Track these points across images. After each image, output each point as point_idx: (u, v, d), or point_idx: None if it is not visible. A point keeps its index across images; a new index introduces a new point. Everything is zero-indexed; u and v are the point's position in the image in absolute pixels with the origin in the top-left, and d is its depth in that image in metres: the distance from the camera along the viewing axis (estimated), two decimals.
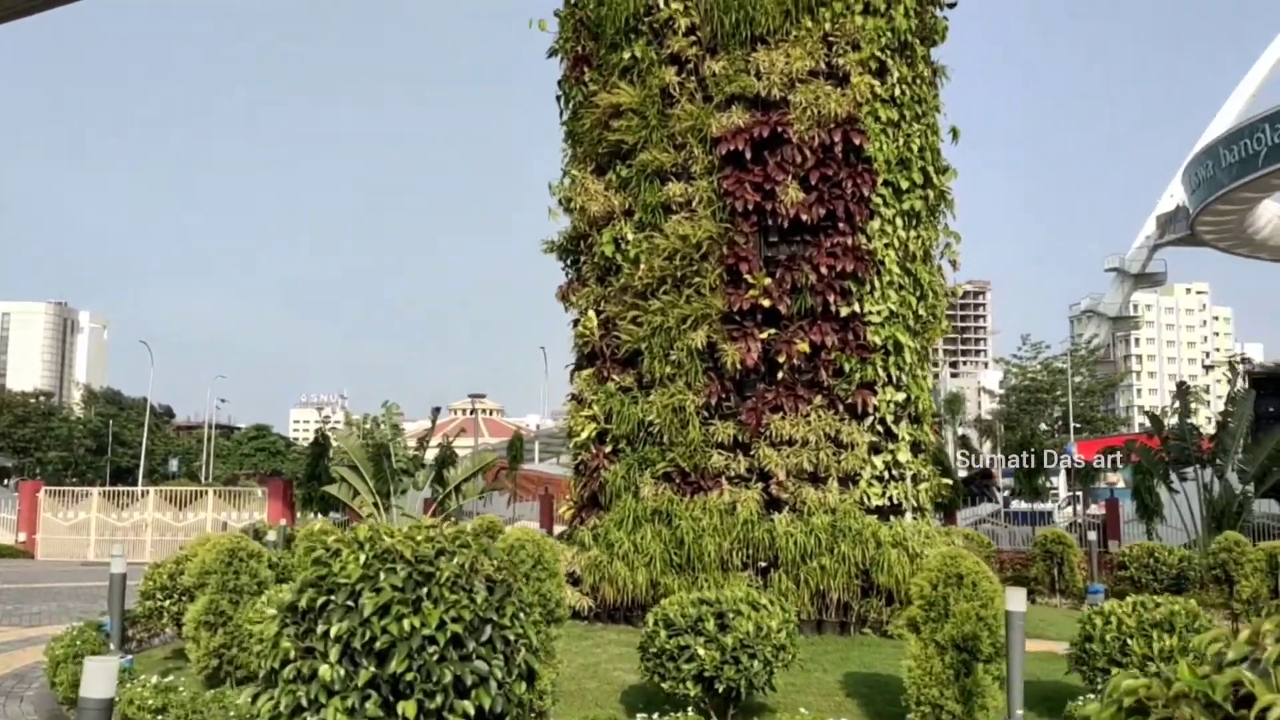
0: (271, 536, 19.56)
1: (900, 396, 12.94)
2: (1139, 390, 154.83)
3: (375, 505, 24.53)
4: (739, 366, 12.58)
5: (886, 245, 12.90)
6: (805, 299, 12.63)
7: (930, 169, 13.46)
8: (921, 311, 13.25)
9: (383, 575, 4.26)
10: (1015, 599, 7.21)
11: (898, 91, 13.27)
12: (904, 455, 12.94)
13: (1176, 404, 32.57)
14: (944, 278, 13.81)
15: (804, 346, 12.53)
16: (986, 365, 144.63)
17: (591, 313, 14.03)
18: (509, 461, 33.12)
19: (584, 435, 13.79)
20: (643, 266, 13.14)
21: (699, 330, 12.74)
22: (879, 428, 12.84)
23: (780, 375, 12.69)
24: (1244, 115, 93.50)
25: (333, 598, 4.27)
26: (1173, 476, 22.75)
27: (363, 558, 4.27)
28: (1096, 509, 41.37)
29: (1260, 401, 22.61)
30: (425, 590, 4.29)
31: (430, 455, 26.82)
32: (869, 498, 12.62)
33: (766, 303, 12.60)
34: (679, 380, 12.88)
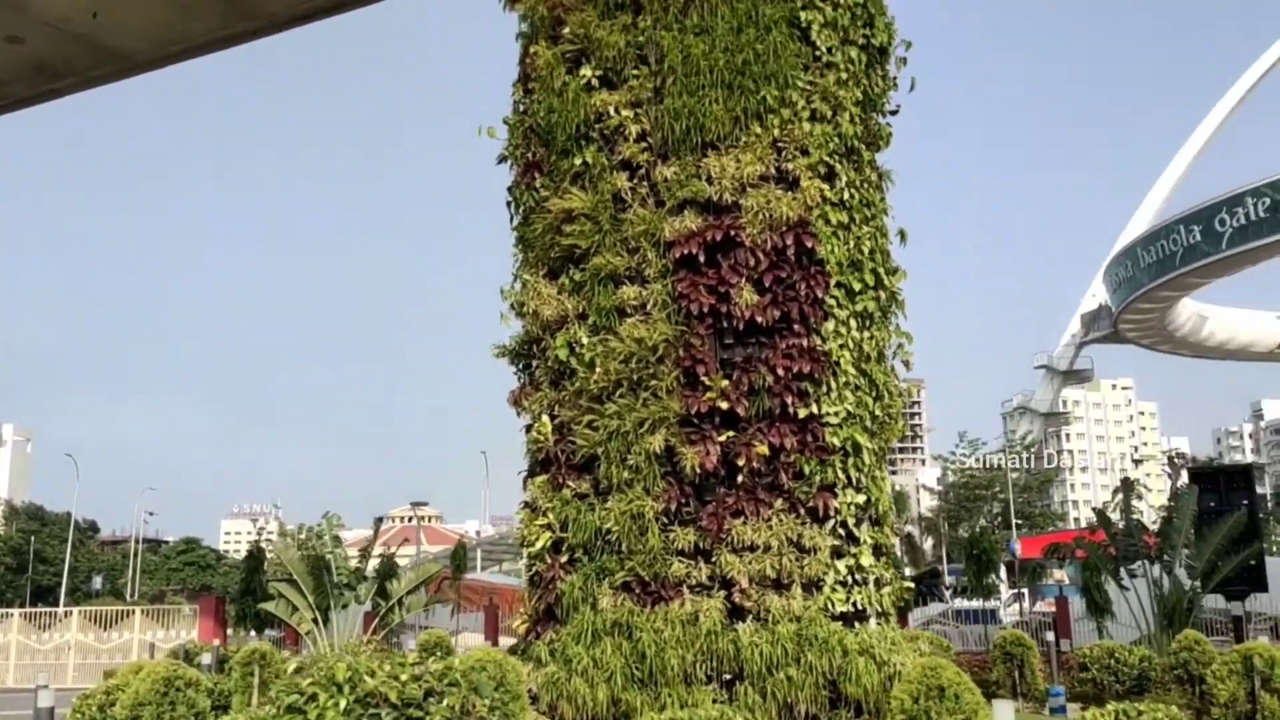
0: (206, 659, 18.60)
1: (860, 499, 12.79)
2: (1072, 485, 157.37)
3: (315, 622, 23.55)
4: (698, 470, 12.35)
5: (841, 346, 12.90)
6: (763, 400, 12.51)
7: (881, 270, 13.58)
8: (878, 412, 13.21)
9: None
10: (1003, 712, 6.97)
11: (846, 195, 13.45)
12: (867, 559, 12.72)
13: (1118, 499, 32.94)
14: (897, 378, 13.82)
15: (763, 449, 12.36)
16: (924, 463, 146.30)
17: (545, 418, 13.75)
18: (452, 571, 32.21)
19: (539, 545, 13.37)
20: (598, 370, 12.95)
21: (657, 434, 12.52)
22: (840, 531, 12.64)
23: (740, 479, 12.48)
24: (1160, 216, 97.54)
25: None
26: (1122, 573, 22.78)
27: (343, 703, 3.91)
28: (1043, 606, 41.40)
29: (1201, 496, 22.88)
30: None
31: (371, 566, 25.92)
32: (833, 604, 12.34)
33: (724, 405, 12.46)
34: (637, 485, 12.59)
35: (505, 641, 30.06)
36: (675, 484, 12.55)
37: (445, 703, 4.06)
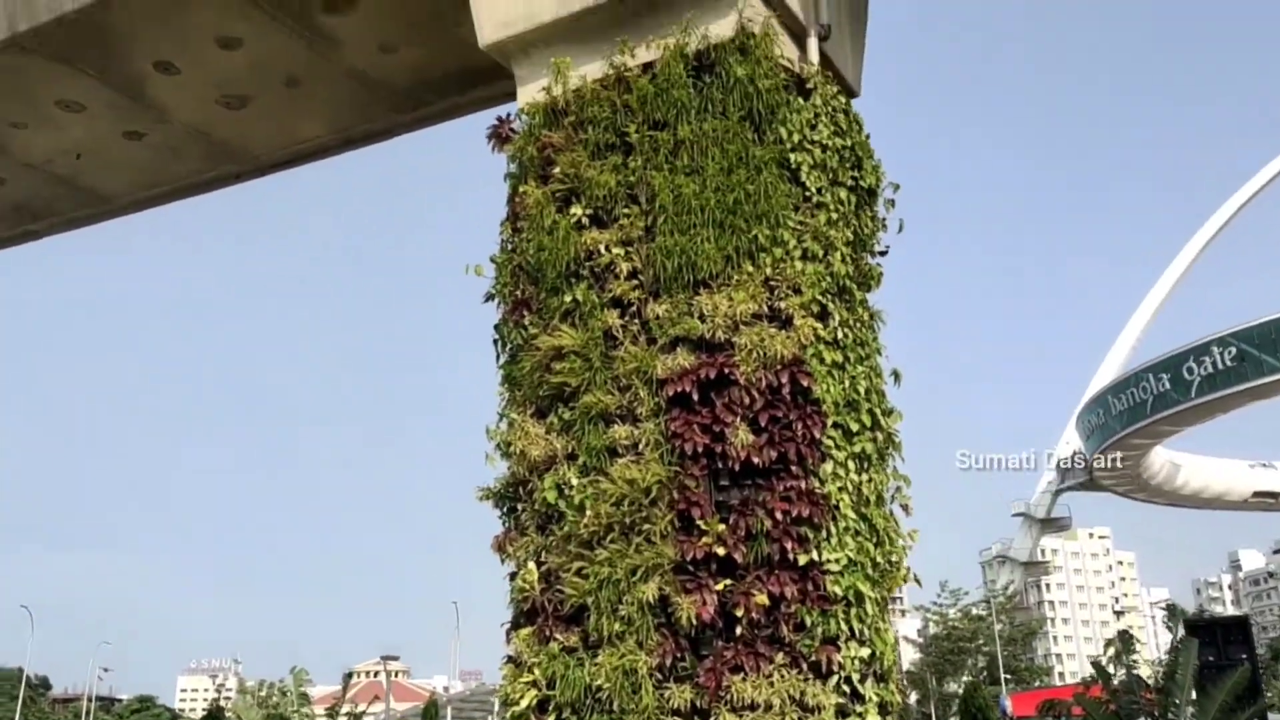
0: None
1: (865, 652, 12.07)
2: (1054, 637, 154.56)
3: None
4: (694, 621, 11.64)
5: (840, 489, 12.42)
6: (761, 546, 11.91)
7: (877, 410, 13.23)
8: (879, 559, 12.63)
9: None
10: None
11: (840, 334, 13.21)
12: (873, 718, 11.92)
13: (1110, 652, 31.98)
14: (897, 523, 13.30)
15: (763, 598, 11.70)
16: (904, 613, 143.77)
17: (532, 564, 13.06)
18: None
19: (524, 704, 12.47)
20: (588, 513, 12.37)
21: (650, 581, 11.86)
22: (845, 688, 11.87)
23: (739, 630, 11.76)
24: (1129, 363, 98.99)
25: None
26: None
27: None
28: None
29: (1201, 650, 22.16)
30: None
31: None
32: None
33: (721, 550, 11.84)
34: (629, 638, 11.84)
35: None
36: (670, 636, 11.81)
37: None
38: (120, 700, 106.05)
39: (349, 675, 26.39)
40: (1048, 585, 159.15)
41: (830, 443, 12.51)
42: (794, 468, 12.21)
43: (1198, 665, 21.38)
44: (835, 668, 11.76)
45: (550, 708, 12.30)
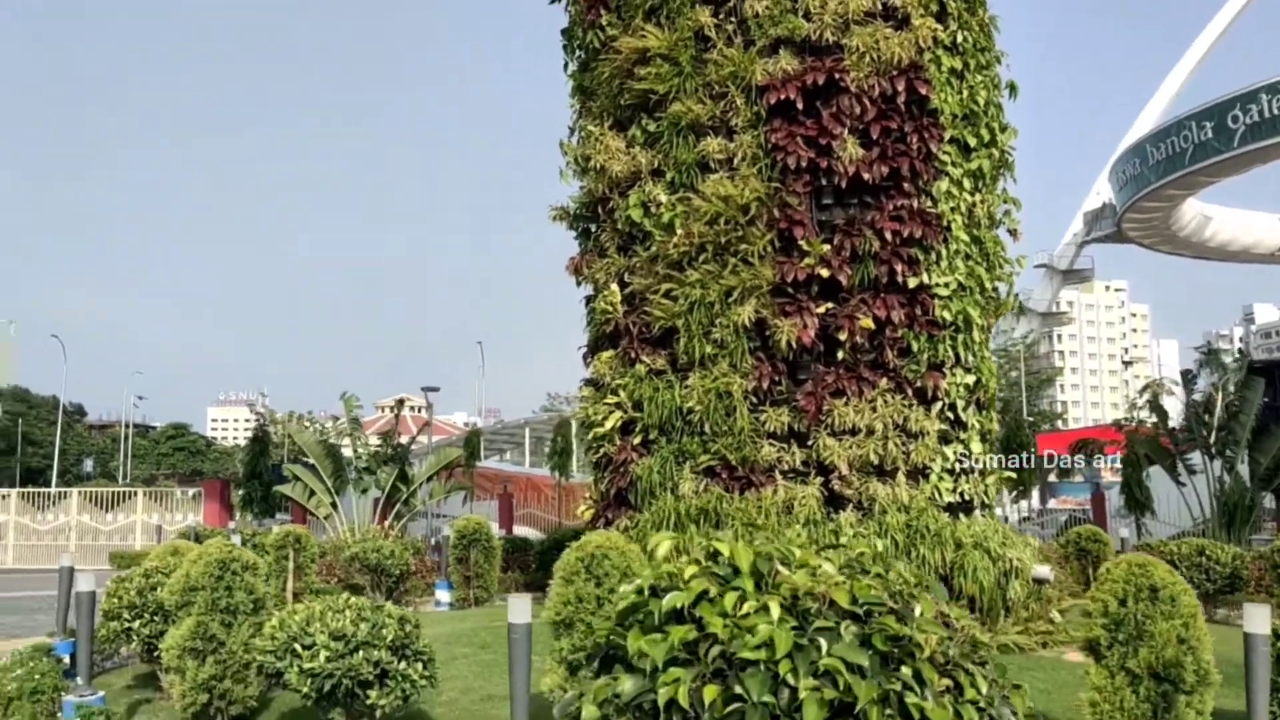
0: (236, 542, 17.47)
1: (970, 379, 11.57)
2: (1061, 385, 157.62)
3: (334, 506, 22.51)
4: (794, 345, 11.06)
5: (953, 209, 11.51)
6: (868, 268, 11.16)
7: (995, 125, 12.12)
8: (989, 284, 11.90)
9: None
10: (1258, 618, 5.83)
11: (960, 38, 11.89)
12: (976, 445, 11.57)
13: (1146, 395, 32.03)
14: (1004, 248, 12.46)
15: (868, 322, 11.06)
16: None
17: (614, 286, 12.39)
18: (465, 459, 31.14)
19: (608, 425, 12.13)
20: (679, 232, 11.54)
21: (746, 304, 11.19)
22: (948, 414, 11.44)
23: (840, 355, 11.21)
24: (1170, 112, 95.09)
25: None
26: (1180, 468, 21.87)
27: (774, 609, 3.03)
28: (1055, 504, 40.92)
29: (1266, 391, 21.79)
30: None
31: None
32: (940, 493, 11.21)
33: (824, 272, 11.10)
34: (722, 361, 11.32)
35: (519, 530, 29.24)
36: (766, 360, 11.27)
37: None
38: (154, 427, 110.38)
39: (400, 401, 26.63)
40: (1059, 335, 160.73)
41: (946, 158, 11.48)
42: (906, 185, 11.26)
43: (1261, 405, 21.18)
44: (940, 394, 11.28)
45: (637, 429, 11.96)
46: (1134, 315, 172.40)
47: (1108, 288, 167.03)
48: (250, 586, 8.68)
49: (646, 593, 3.53)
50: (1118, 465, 41.34)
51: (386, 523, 22.65)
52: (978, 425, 11.67)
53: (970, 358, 11.56)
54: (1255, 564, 15.02)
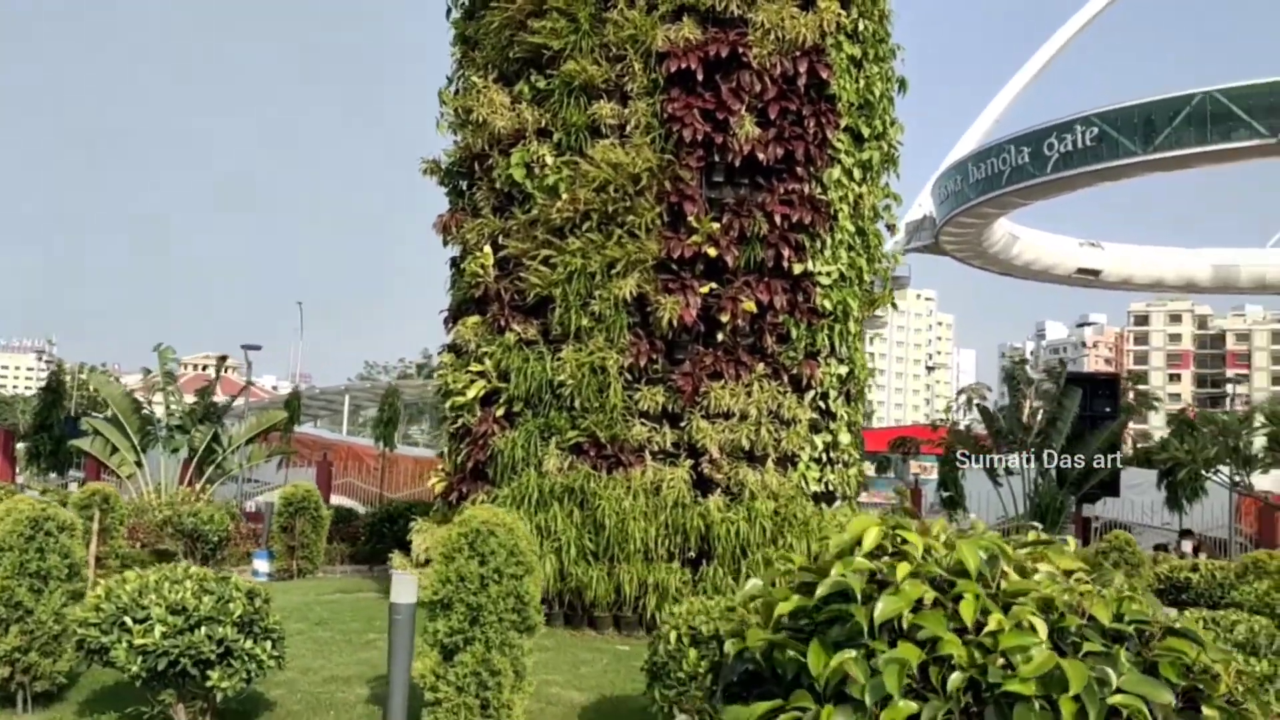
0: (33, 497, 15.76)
1: (843, 370, 11.54)
2: (871, 386, 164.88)
3: (139, 465, 20.79)
4: (675, 324, 10.72)
5: (842, 198, 11.43)
6: (755, 250, 10.92)
7: (887, 118, 12.11)
8: (867, 276, 11.89)
9: None
10: None
11: (861, 25, 11.81)
12: (844, 436, 11.55)
13: (960, 400, 33.55)
14: (883, 242, 12.50)
15: (750, 305, 10.83)
16: None
17: (488, 248, 11.72)
18: (284, 422, 29.47)
19: (470, 395, 11.49)
20: (564, 197, 10.99)
21: (629, 278, 10.77)
22: (820, 404, 11.37)
23: (720, 337, 10.95)
24: (992, 135, 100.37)
25: None
26: (999, 469, 22.93)
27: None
28: (865, 498, 42.50)
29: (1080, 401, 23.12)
30: None
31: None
32: (807, 482, 11.14)
33: (712, 252, 10.79)
34: (599, 335, 10.87)
35: (337, 500, 27.95)
36: (645, 337, 10.89)
37: None
38: None
39: (223, 359, 24.59)
40: (871, 339, 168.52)
41: (840, 146, 11.38)
42: (799, 169, 11.08)
43: (1077, 414, 22.44)
44: (814, 383, 11.19)
45: (500, 400, 11.38)
46: (940, 324, 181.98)
47: (919, 296, 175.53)
48: (65, 550, 7.66)
49: (820, 592, 2.81)
50: (926, 463, 43.43)
51: (198, 485, 21.12)
52: (846, 416, 11.66)
53: (845, 349, 11.53)
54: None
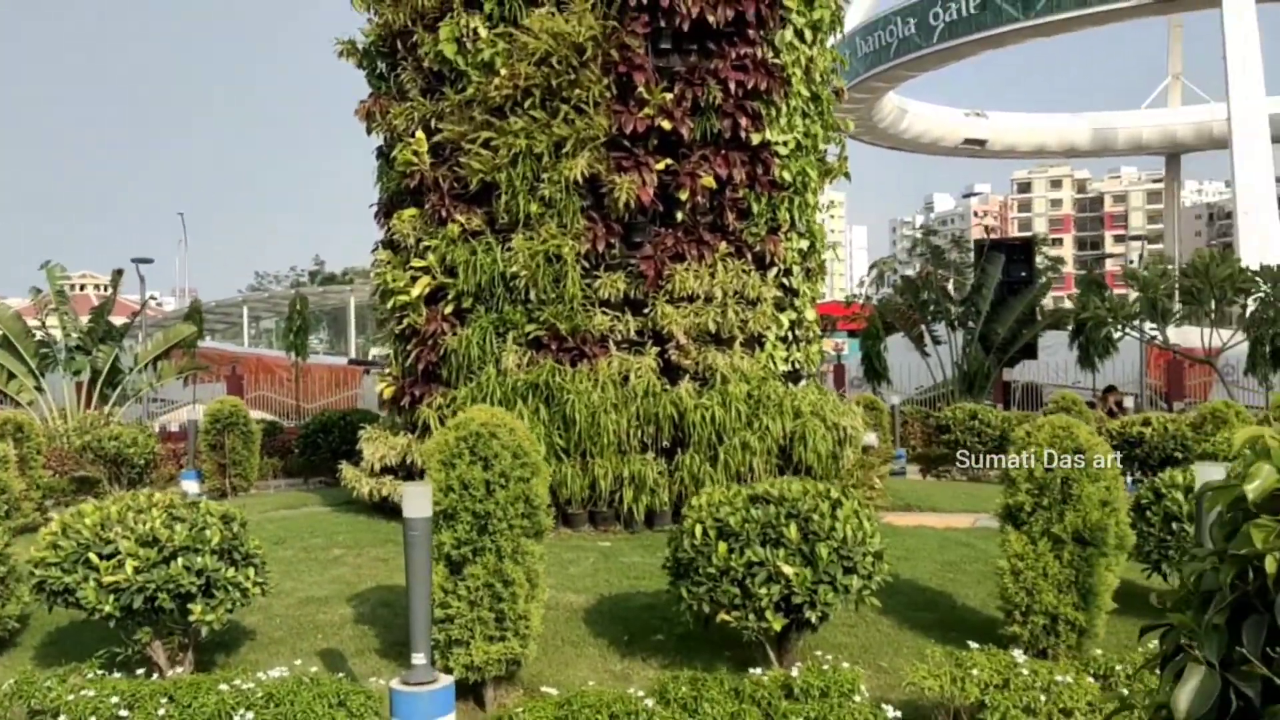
0: None
1: (804, 244, 11.14)
2: None
3: (39, 389, 19.47)
4: (631, 205, 10.11)
5: (794, 62, 10.84)
6: (711, 121, 10.32)
7: None
8: (822, 144, 11.42)
9: None
10: (1209, 478, 5.69)
11: None
12: (809, 313, 11.23)
13: (873, 274, 33.82)
14: (835, 107, 12.00)
15: (710, 180, 10.27)
16: None
17: (420, 134, 10.85)
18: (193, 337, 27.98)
19: (415, 293, 10.76)
20: (501, 73, 10.16)
21: (579, 157, 10.08)
22: (783, 280, 10.99)
23: (680, 216, 10.40)
24: (877, 7, 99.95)
25: None
26: (926, 338, 23.12)
27: None
28: None
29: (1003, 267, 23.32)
30: None
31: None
32: (775, 362, 10.81)
33: (666, 124, 10.14)
34: (550, 221, 10.21)
35: (252, 414, 26.81)
36: (600, 221, 10.27)
37: None
38: None
39: (119, 273, 22.81)
40: None
41: (791, 5, 10.73)
42: (751, 32, 10.42)
43: (1001, 280, 22.64)
44: (777, 259, 10.77)
45: (449, 297, 10.69)
46: (831, 203, 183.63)
47: None
48: (2, 484, 6.89)
49: None
50: (839, 339, 43.86)
51: (106, 409, 19.93)
52: (808, 292, 11.32)
53: (804, 222, 11.12)
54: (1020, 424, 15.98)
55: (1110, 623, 6.57)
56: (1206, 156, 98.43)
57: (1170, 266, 27.15)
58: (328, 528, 10.62)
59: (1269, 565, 1.35)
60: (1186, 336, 25.94)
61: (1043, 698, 5.31)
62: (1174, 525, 7.42)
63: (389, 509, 10.60)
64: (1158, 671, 1.67)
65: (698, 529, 6.00)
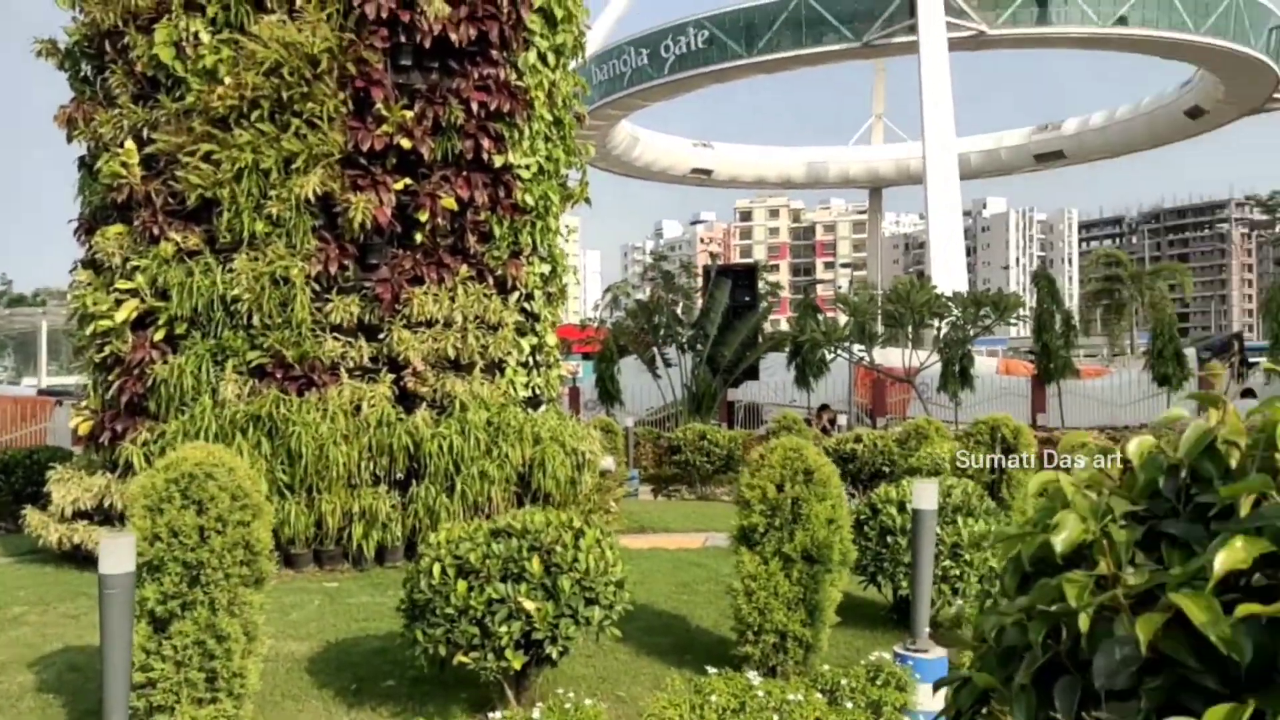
0: None
1: (545, 269, 11.13)
2: None
3: None
4: (367, 225, 9.73)
5: (538, 85, 10.83)
6: (452, 141, 10.12)
7: (576, 1, 11.56)
8: (564, 169, 11.47)
9: None
10: (927, 496, 6.08)
11: None
12: (550, 338, 11.20)
13: (608, 297, 34.54)
14: (577, 132, 12.08)
15: (450, 202, 10.06)
16: None
17: (130, 144, 9.96)
18: None
19: (120, 317, 9.84)
20: (226, 82, 9.51)
21: (311, 174, 9.59)
22: (525, 305, 10.91)
23: (419, 238, 10.11)
24: (611, 36, 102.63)
25: None
26: (658, 361, 23.73)
27: None
28: None
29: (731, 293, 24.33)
30: None
31: None
32: (516, 388, 10.71)
33: (405, 143, 9.85)
34: (278, 242, 9.65)
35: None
36: (333, 241, 9.81)
37: None
38: None
39: None
40: None
41: (535, 28, 10.71)
42: (494, 52, 10.32)
43: (728, 305, 23.60)
44: (519, 284, 10.70)
45: (160, 322, 9.85)
46: (566, 228, 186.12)
47: None
48: None
49: None
50: (572, 363, 44.32)
51: None
52: (550, 317, 11.31)
53: (546, 246, 11.11)
54: (747, 444, 16.68)
55: (832, 636, 6.92)
56: (904, 190, 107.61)
57: (876, 292, 29.35)
58: (7, 582, 9.45)
59: (1083, 623, 1.36)
60: (888, 357, 28.11)
61: (775, 717, 5.48)
62: (889, 539, 7.93)
63: (82, 558, 9.56)
64: None
65: (436, 567, 5.77)
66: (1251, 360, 33.19)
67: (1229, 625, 1.18)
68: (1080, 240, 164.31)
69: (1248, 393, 26.89)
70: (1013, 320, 24.58)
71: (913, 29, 60.93)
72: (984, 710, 1.53)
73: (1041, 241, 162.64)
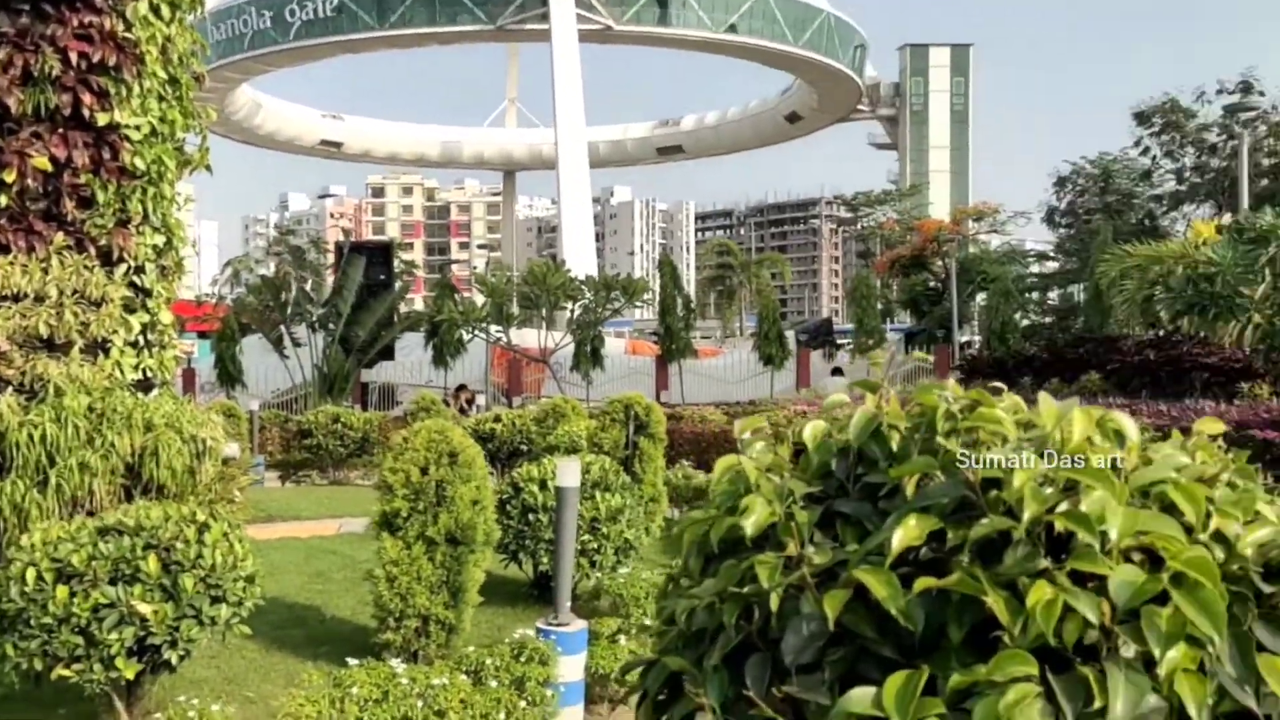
0: None
1: (159, 240, 10.14)
2: None
3: None
4: None
5: (150, 38, 9.81)
6: (47, 95, 8.93)
7: None
8: (181, 132, 10.50)
9: None
10: (570, 473, 6.19)
11: None
12: (165, 316, 10.24)
13: (227, 272, 32.50)
14: (195, 92, 11.08)
15: (43, 162, 8.90)
16: None
17: None
18: None
19: None
20: None
21: None
22: (134, 280, 9.90)
23: (5, 201, 8.86)
24: None
25: None
26: (286, 340, 22.61)
27: None
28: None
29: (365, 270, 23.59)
30: None
31: None
32: (123, 370, 9.69)
33: None
34: None
35: None
36: None
37: None
38: None
39: None
40: None
41: None
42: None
43: (362, 283, 22.80)
44: (127, 256, 9.69)
45: None
46: (185, 198, 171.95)
47: None
48: None
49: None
50: (186, 341, 41.43)
51: None
52: (164, 293, 10.35)
53: (159, 215, 10.14)
54: (384, 426, 16.29)
55: (475, 615, 6.96)
56: (537, 175, 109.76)
57: (512, 274, 29.81)
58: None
59: (774, 602, 1.42)
60: (525, 338, 28.68)
61: (419, 704, 5.42)
62: (530, 516, 8.10)
63: None
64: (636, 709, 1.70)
65: (30, 573, 5.13)
66: (839, 342, 37.35)
67: (905, 599, 1.31)
68: (697, 230, 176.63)
69: (836, 371, 30.28)
70: (639, 304, 25.93)
71: (544, 17, 62.28)
72: (671, 692, 1.59)
73: (663, 230, 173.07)
